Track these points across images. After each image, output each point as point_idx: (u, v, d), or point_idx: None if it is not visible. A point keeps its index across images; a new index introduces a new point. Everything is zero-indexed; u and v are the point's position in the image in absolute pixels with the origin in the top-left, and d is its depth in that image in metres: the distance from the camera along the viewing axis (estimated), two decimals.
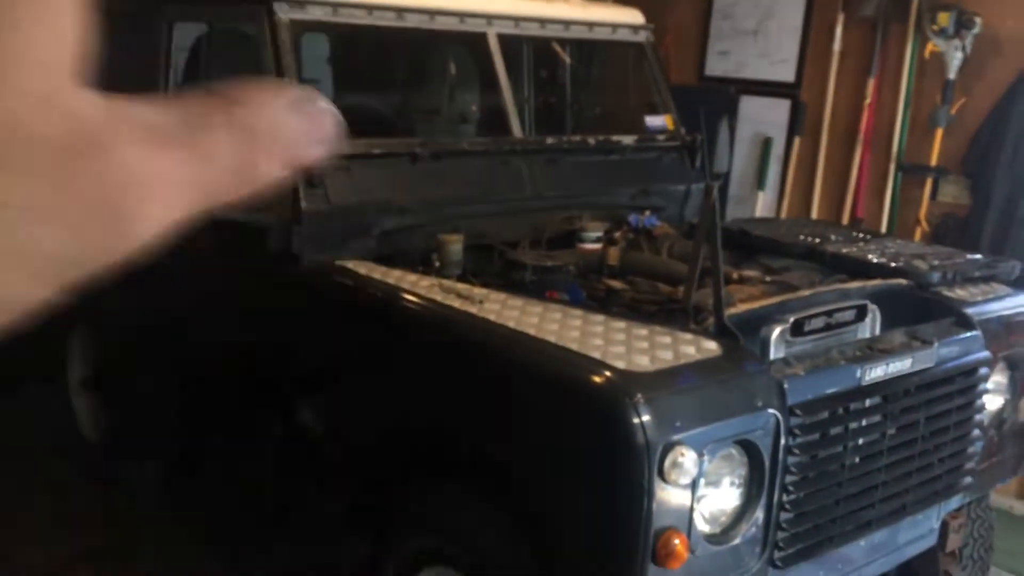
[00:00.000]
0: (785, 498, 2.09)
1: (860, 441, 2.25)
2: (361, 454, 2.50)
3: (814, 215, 4.81)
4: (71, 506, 3.74)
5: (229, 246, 2.86)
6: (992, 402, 2.66)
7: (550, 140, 3.22)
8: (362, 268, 2.59)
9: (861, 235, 3.22)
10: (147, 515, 3.70)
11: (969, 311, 2.58)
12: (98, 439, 3.90)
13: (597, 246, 2.97)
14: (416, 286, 2.44)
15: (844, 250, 2.91)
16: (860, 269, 2.77)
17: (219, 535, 3.60)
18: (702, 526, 1.98)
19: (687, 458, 1.85)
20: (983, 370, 2.51)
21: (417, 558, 2.35)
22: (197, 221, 0.39)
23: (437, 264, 2.69)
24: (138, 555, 3.43)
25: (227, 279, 2.98)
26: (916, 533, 2.52)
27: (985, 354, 2.52)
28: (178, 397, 3.40)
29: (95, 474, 3.88)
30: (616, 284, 2.66)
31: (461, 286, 2.47)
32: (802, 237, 3.06)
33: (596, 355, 1.99)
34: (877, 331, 2.48)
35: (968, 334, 2.52)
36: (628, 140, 3.38)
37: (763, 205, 5.01)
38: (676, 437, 1.85)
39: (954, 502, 2.59)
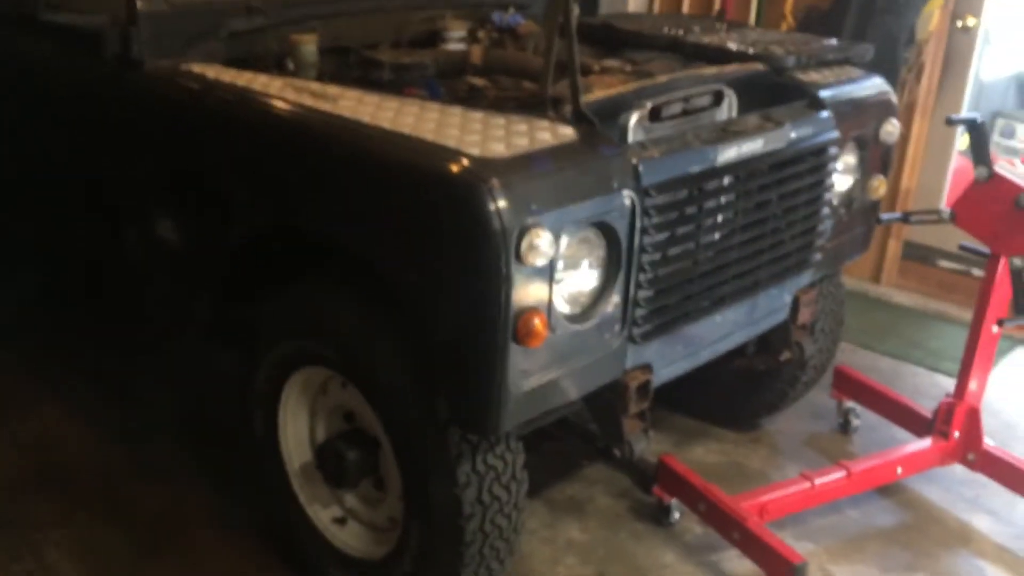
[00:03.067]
0: (642, 277, 2.15)
1: (715, 220, 2.31)
2: (221, 262, 2.45)
3: (684, 12, 4.78)
4: None
5: (64, 52, 2.69)
6: (842, 182, 2.75)
7: None
8: (210, 71, 2.48)
9: (723, 26, 3.21)
10: (12, 347, 3.60)
11: (821, 93, 2.63)
12: None
13: (460, 46, 2.89)
14: (268, 87, 2.35)
15: (705, 40, 2.91)
16: (720, 57, 2.77)
17: (90, 360, 3.54)
18: (561, 307, 2.03)
19: (543, 240, 1.87)
20: (833, 150, 2.58)
21: (287, 361, 2.36)
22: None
23: (291, 67, 2.58)
24: (6, 388, 3.36)
25: (65, 89, 2.80)
26: (769, 308, 2.64)
27: (835, 134, 2.58)
28: (31, 220, 3.25)
29: None
30: (479, 82, 2.61)
31: (315, 85, 2.39)
32: (666, 29, 3.04)
33: (451, 144, 1.97)
34: (734, 115, 2.51)
35: (819, 115, 2.57)
36: None
37: (635, 4, 4.94)
38: (531, 220, 1.86)
39: (805, 278, 2.71)
